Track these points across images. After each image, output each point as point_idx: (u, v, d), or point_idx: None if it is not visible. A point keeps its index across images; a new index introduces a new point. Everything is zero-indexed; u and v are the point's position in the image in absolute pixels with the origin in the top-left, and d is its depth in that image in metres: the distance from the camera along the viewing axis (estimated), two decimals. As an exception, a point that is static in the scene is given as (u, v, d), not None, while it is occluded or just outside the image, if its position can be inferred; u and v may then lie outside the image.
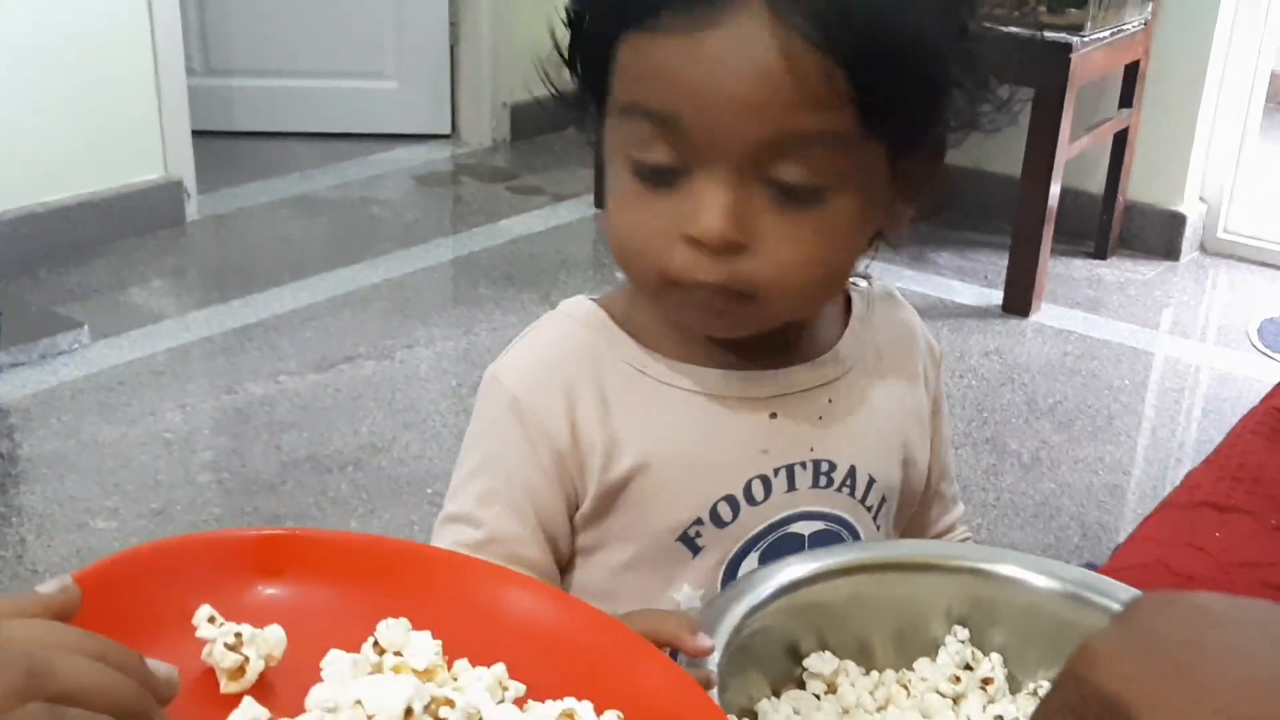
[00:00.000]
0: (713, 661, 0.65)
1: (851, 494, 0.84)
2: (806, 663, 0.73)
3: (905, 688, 0.73)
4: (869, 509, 0.85)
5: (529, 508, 0.81)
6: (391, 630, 0.63)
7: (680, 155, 0.72)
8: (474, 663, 0.63)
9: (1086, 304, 3.23)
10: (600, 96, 0.76)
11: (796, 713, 0.70)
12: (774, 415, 0.82)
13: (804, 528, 0.82)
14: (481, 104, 4.07)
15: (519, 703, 0.62)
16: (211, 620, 0.61)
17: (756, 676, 0.71)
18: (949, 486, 0.94)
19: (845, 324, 0.86)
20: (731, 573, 0.82)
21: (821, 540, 0.83)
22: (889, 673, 0.74)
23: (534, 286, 3.13)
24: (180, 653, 0.59)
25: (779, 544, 0.82)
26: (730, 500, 0.81)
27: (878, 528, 0.86)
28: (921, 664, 0.74)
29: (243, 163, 3.81)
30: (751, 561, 0.82)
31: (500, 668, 0.63)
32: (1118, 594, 0.74)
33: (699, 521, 0.81)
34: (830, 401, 0.83)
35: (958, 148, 0.81)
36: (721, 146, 0.71)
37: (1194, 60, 3.33)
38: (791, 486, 0.82)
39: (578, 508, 0.83)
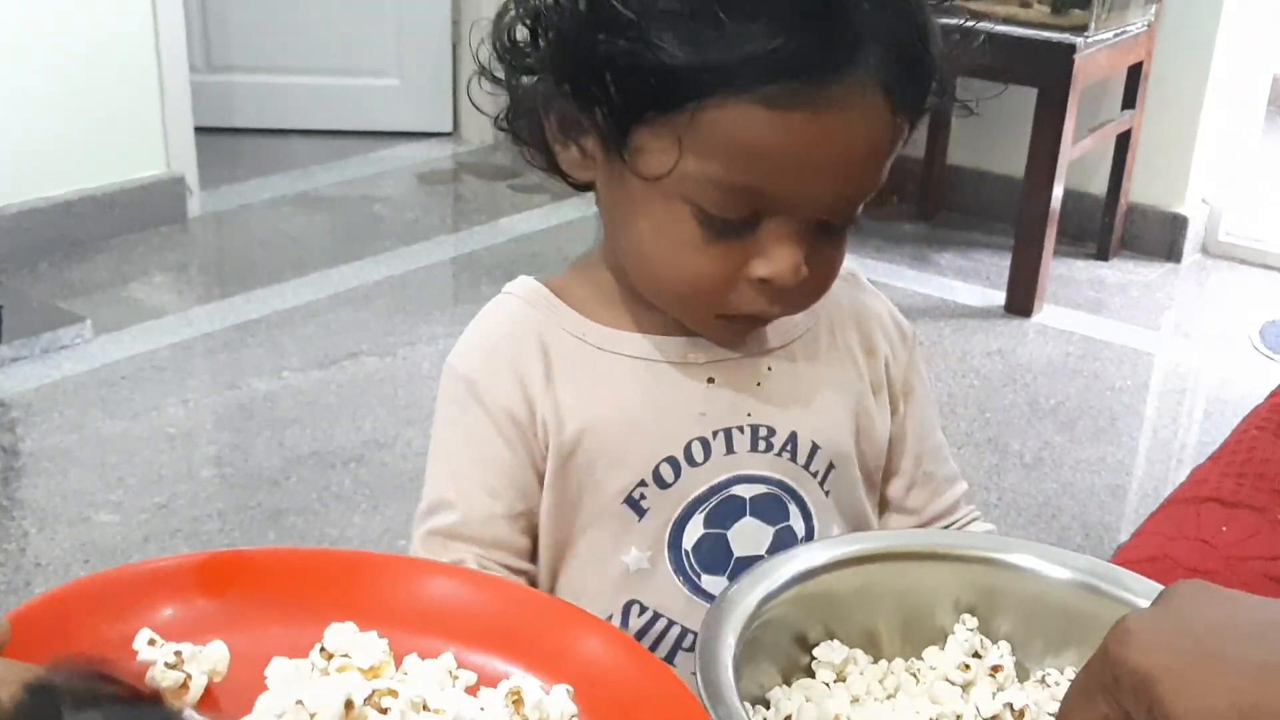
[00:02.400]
0: (729, 648, 0.65)
1: (793, 459, 0.85)
2: (816, 652, 0.73)
3: (914, 676, 0.74)
4: (814, 474, 0.86)
5: (501, 484, 0.83)
6: (339, 634, 0.64)
7: (758, 210, 0.74)
8: (424, 657, 0.65)
9: (1088, 305, 3.23)
10: (622, 133, 0.75)
11: (809, 700, 0.70)
12: (711, 380, 0.84)
13: (745, 490, 0.84)
14: (483, 101, 4.05)
15: (471, 690, 0.64)
16: (152, 643, 0.62)
17: (767, 666, 0.71)
18: (940, 468, 0.94)
19: None
20: (677, 534, 0.84)
21: (763, 503, 0.85)
22: (898, 661, 0.75)
23: (536, 284, 3.13)
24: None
25: (722, 506, 0.84)
26: (671, 461, 0.83)
27: (826, 493, 0.87)
28: (930, 652, 0.75)
29: (245, 159, 3.80)
30: (696, 523, 0.84)
31: (448, 657, 0.65)
32: (1126, 582, 0.74)
33: (642, 483, 0.83)
34: (770, 369, 0.85)
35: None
36: (809, 205, 0.74)
37: (1196, 62, 3.34)
38: (730, 449, 0.84)
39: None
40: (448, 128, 4.11)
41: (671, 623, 0.85)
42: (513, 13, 0.79)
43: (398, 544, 2.15)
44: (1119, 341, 3.05)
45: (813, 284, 0.77)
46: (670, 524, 0.84)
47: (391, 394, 2.63)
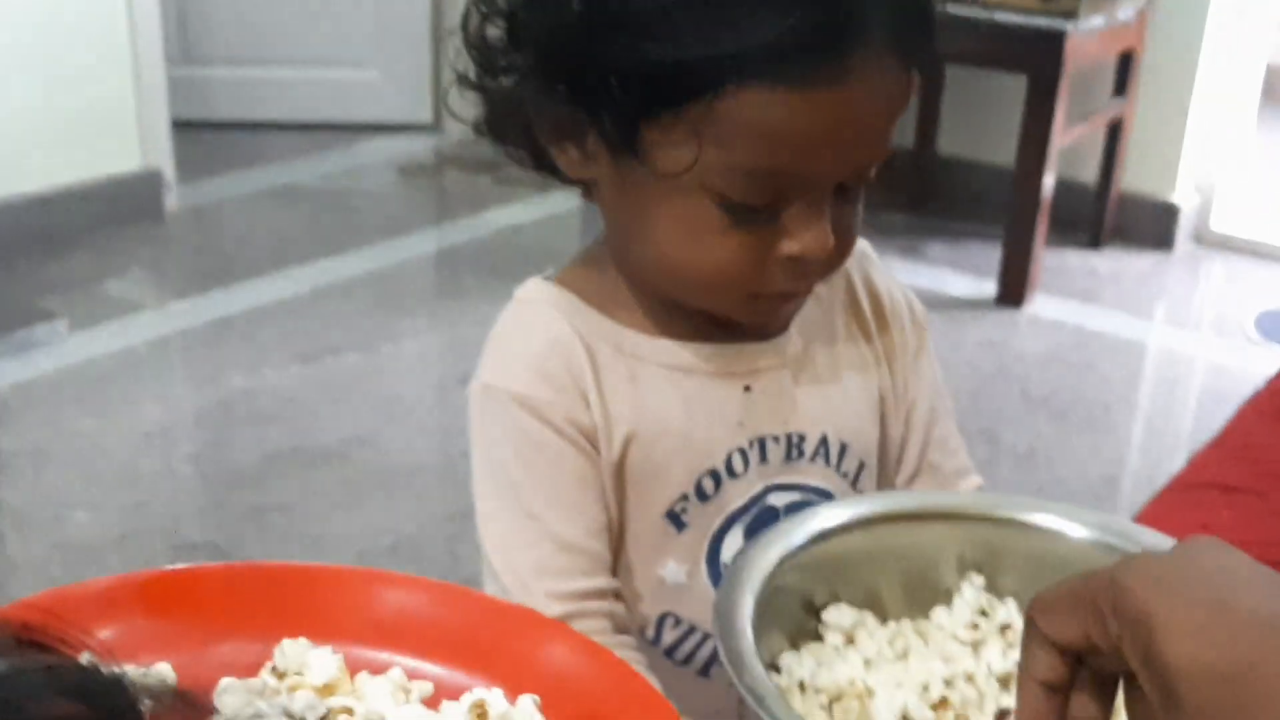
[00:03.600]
0: (747, 615, 0.65)
1: (826, 463, 0.84)
2: (825, 615, 0.73)
3: (923, 636, 0.73)
4: (844, 475, 0.85)
5: (585, 499, 0.79)
6: (291, 651, 0.62)
7: (782, 190, 0.72)
8: (376, 672, 0.63)
9: (1081, 295, 3.20)
10: (633, 127, 0.72)
11: (820, 665, 0.69)
12: (748, 388, 0.82)
13: (778, 499, 0.82)
14: (465, 93, 4.02)
15: (430, 702, 0.62)
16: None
17: (775, 631, 0.71)
18: (949, 460, 0.91)
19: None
20: (715, 547, 0.82)
21: (796, 511, 0.82)
22: (905, 622, 0.74)
23: (519, 278, 3.04)
24: None
25: (759, 517, 0.82)
26: (714, 474, 0.81)
27: (858, 494, 0.86)
28: (938, 612, 0.74)
29: (222, 153, 3.76)
30: (735, 536, 0.82)
31: (396, 672, 0.63)
32: (1140, 539, 0.73)
33: (684, 497, 0.81)
34: (800, 372, 0.84)
35: None
36: (833, 178, 0.73)
37: (1188, 49, 3.31)
38: (764, 459, 0.82)
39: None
40: (429, 120, 4.07)
41: (707, 635, 0.83)
42: (478, 16, 0.77)
43: (381, 540, 2.11)
44: (1111, 331, 3.02)
45: (839, 252, 0.76)
46: (709, 537, 0.82)
47: (373, 390, 2.59)
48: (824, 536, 0.73)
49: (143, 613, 0.64)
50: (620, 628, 0.80)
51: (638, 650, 0.79)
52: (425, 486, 2.27)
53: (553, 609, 0.76)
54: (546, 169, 0.79)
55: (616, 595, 0.81)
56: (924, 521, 0.76)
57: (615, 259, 0.82)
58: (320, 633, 0.64)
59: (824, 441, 0.83)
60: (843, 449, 0.84)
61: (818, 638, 0.72)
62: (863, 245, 0.88)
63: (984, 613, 0.74)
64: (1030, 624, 0.52)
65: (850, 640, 0.72)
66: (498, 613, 0.68)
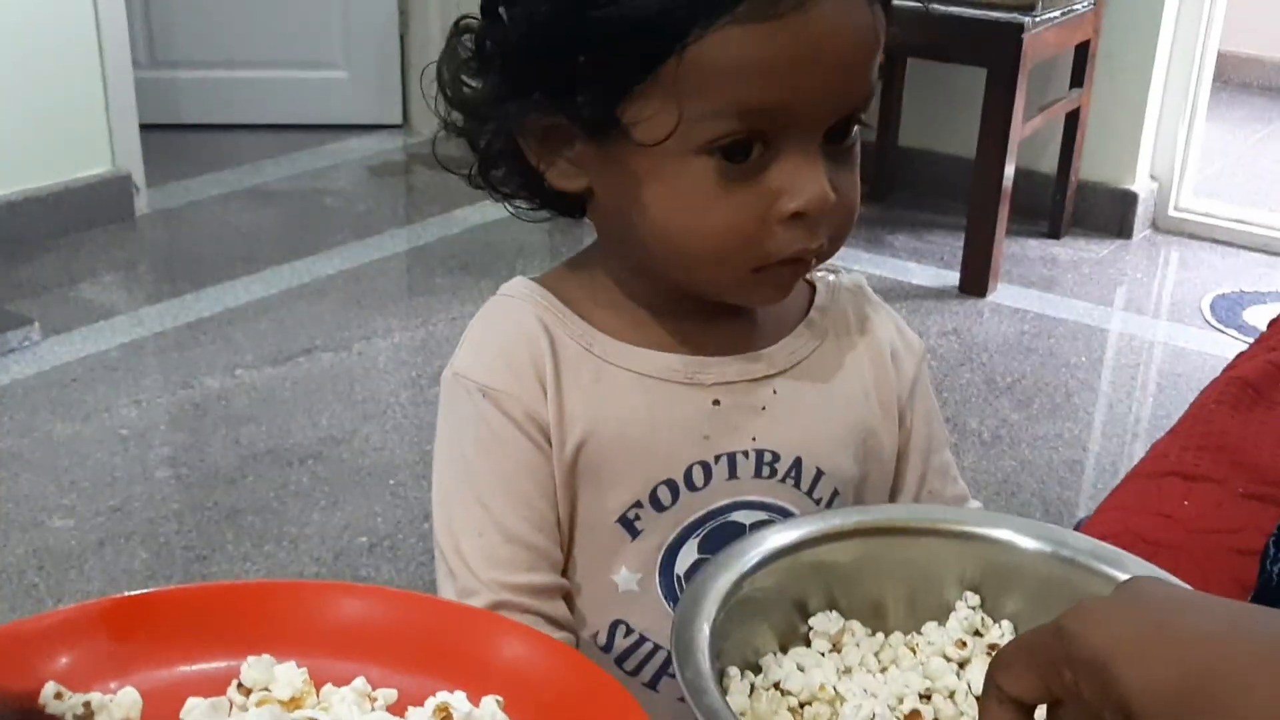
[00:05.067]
0: (708, 617, 0.64)
1: (797, 485, 0.83)
2: (812, 621, 0.72)
3: (913, 650, 0.73)
4: (817, 501, 0.83)
5: (534, 492, 0.80)
6: (255, 668, 0.63)
7: (771, 138, 0.71)
8: (340, 683, 0.64)
9: (1042, 283, 3.25)
10: (613, 95, 0.72)
11: (799, 669, 0.70)
12: (717, 402, 0.81)
13: (745, 517, 0.81)
14: (433, 92, 4.02)
15: (395, 709, 0.63)
16: (59, 696, 0.61)
17: (765, 630, 0.71)
18: (948, 488, 0.90)
19: (803, 316, 0.85)
20: (670, 558, 0.81)
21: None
22: (896, 635, 0.74)
23: (490, 275, 3.12)
24: None
25: (718, 532, 0.81)
26: (670, 484, 0.80)
27: None
28: (929, 628, 0.74)
29: (192, 155, 3.76)
30: (690, 548, 0.81)
31: (360, 681, 0.64)
32: (1129, 566, 0.73)
33: (638, 504, 0.80)
34: (775, 393, 0.82)
35: None
36: (818, 119, 0.72)
37: (1143, 40, 3.36)
38: (733, 474, 0.81)
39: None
40: (398, 119, 4.08)
41: (658, 646, 0.82)
42: (449, 65, 0.78)
43: (357, 540, 2.13)
44: (1072, 318, 3.07)
45: (841, 211, 0.74)
46: (664, 548, 0.81)
47: (347, 389, 2.61)
48: (817, 541, 0.72)
49: (106, 638, 0.65)
50: (563, 627, 0.80)
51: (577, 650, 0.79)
52: (401, 485, 2.30)
53: (495, 595, 0.77)
54: (550, 203, 0.80)
55: (565, 595, 0.81)
56: (928, 537, 0.75)
57: (606, 266, 0.82)
58: (283, 648, 0.65)
59: (797, 464, 0.82)
60: (817, 475, 0.83)
61: (809, 642, 0.72)
62: (858, 280, 0.88)
63: (978, 633, 0.74)
64: (989, 682, 0.53)
65: (837, 648, 0.72)
66: (457, 617, 0.69)
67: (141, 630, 0.65)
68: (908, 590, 0.75)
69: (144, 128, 3.37)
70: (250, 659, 0.63)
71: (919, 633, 0.74)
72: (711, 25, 0.69)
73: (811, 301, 0.86)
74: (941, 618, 0.75)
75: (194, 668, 0.65)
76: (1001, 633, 0.74)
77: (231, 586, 0.71)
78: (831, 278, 0.88)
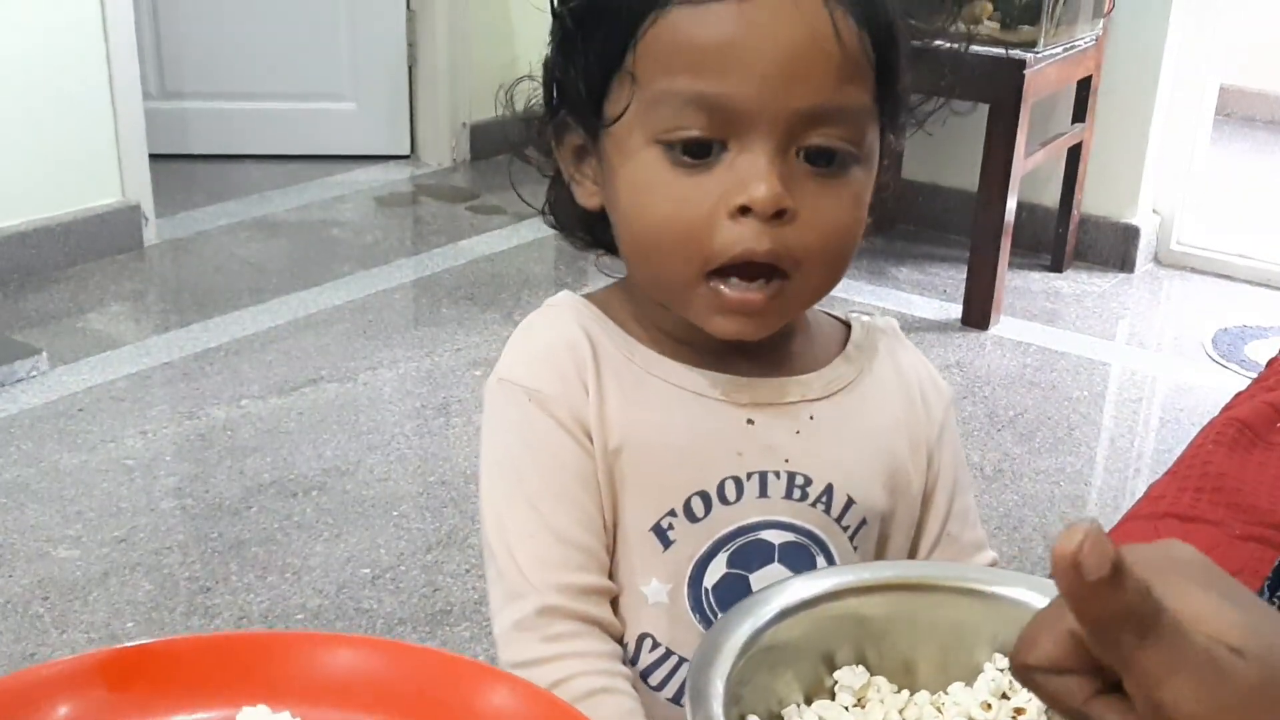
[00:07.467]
0: (726, 663, 0.64)
1: (826, 511, 0.84)
2: (837, 675, 0.72)
3: (939, 709, 0.73)
4: (845, 529, 0.85)
5: (582, 494, 0.81)
6: (250, 718, 0.64)
7: (721, 129, 0.74)
8: None
9: (1044, 316, 3.26)
10: (599, 92, 0.77)
11: (821, 719, 0.70)
12: (751, 421, 0.83)
13: (774, 536, 0.83)
14: (440, 124, 4.06)
15: None
16: None
17: (790, 679, 0.71)
18: (967, 533, 0.91)
19: (840, 350, 0.88)
20: (700, 570, 0.82)
21: (791, 551, 0.83)
22: (922, 693, 0.74)
23: (496, 306, 3.14)
24: None
25: (748, 548, 0.83)
26: (703, 496, 0.82)
27: (854, 549, 0.86)
28: (956, 688, 0.74)
29: (201, 186, 3.79)
30: (720, 562, 0.82)
31: None
32: None
33: (672, 513, 0.82)
34: (812, 418, 0.84)
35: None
36: (767, 117, 0.73)
37: (1145, 74, 3.38)
38: (764, 493, 0.82)
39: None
40: (405, 150, 4.11)
41: (683, 660, 0.83)
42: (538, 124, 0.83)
43: (360, 572, 2.14)
44: (1075, 352, 3.08)
45: (809, 230, 0.75)
46: (694, 559, 0.82)
47: (353, 420, 2.62)
48: (845, 593, 0.72)
49: (104, 689, 0.66)
50: (613, 636, 0.81)
51: (626, 679, 0.80)
52: (404, 516, 2.31)
53: (544, 599, 0.78)
54: (600, 240, 0.86)
55: (612, 600, 0.82)
56: (963, 596, 0.74)
57: (630, 289, 0.85)
58: (277, 697, 0.66)
59: (829, 490, 0.84)
60: (847, 503, 0.84)
61: (834, 695, 0.72)
62: (892, 322, 0.91)
63: (1005, 695, 0.72)
64: (1028, 672, 0.52)
65: (861, 703, 0.72)
66: (445, 666, 0.70)
67: (139, 681, 0.67)
68: (939, 649, 0.74)
69: (153, 158, 3.39)
70: (246, 709, 0.64)
71: (945, 692, 0.74)
72: (657, 12, 0.73)
73: (848, 338, 0.89)
74: (971, 679, 0.74)
75: (191, 718, 0.66)
76: (1029, 697, 0.72)
77: (227, 637, 0.72)
78: (866, 318, 0.91)
